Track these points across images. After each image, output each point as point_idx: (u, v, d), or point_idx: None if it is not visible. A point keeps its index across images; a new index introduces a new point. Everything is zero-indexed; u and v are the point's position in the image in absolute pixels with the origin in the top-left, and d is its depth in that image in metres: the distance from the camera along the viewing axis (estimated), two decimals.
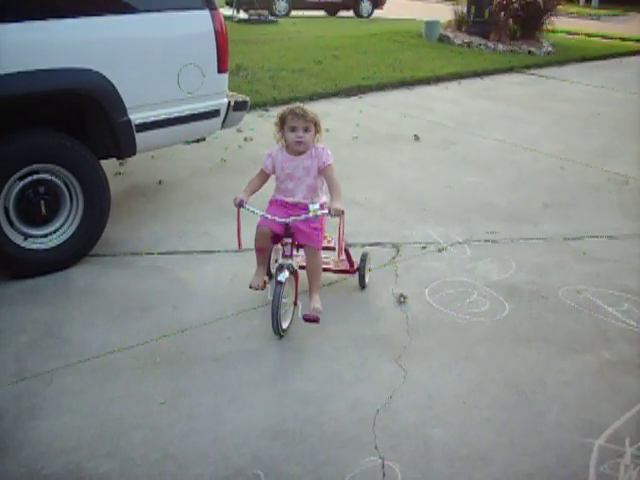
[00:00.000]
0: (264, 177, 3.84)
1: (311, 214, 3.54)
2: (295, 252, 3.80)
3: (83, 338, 3.74)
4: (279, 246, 3.86)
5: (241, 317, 3.98)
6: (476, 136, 7.96)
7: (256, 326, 3.88)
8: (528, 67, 12.52)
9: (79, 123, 4.56)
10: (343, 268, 4.28)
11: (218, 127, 5.16)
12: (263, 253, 3.89)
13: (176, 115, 4.76)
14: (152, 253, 4.79)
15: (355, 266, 4.26)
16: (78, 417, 3.12)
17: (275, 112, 8.58)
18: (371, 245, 4.95)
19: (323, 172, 3.72)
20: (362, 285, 4.31)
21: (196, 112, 4.89)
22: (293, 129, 3.68)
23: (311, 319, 3.68)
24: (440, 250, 4.94)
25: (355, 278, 4.31)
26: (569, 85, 11.13)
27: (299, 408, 3.22)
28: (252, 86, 9.39)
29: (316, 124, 3.70)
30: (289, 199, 3.80)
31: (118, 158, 4.74)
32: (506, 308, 4.17)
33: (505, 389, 3.41)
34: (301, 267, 3.95)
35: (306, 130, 3.67)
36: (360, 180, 6.25)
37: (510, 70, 12.12)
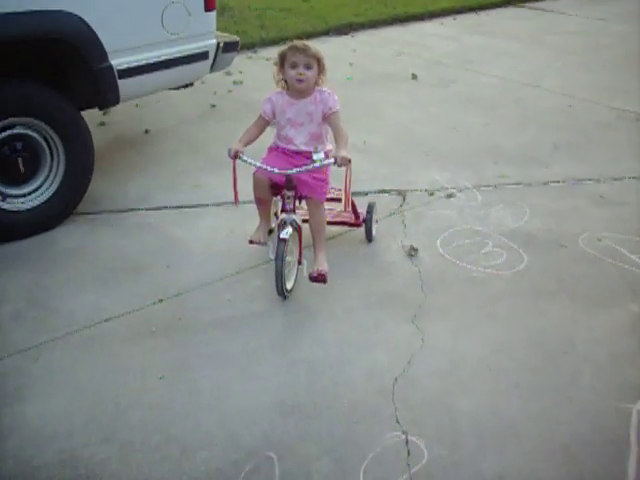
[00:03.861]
0: (263, 124, 3.49)
1: (316, 164, 3.21)
2: (297, 204, 3.49)
3: (71, 306, 3.44)
4: (279, 198, 3.55)
5: (241, 277, 3.69)
6: (476, 73, 7.57)
7: (258, 287, 3.60)
8: (524, 0, 11.99)
9: (56, 72, 4.16)
10: (348, 220, 3.96)
11: (207, 70, 4.78)
12: (263, 204, 3.57)
13: (161, 59, 4.36)
14: (141, 209, 4.47)
15: (361, 218, 3.95)
16: (69, 398, 2.84)
17: (264, 53, 8.21)
18: (375, 193, 4.65)
19: (328, 119, 3.37)
20: (369, 238, 4.01)
21: (183, 55, 4.49)
22: (294, 65, 3.32)
23: (318, 279, 3.39)
24: (449, 197, 4.64)
25: (361, 230, 4.01)
26: (567, 18, 10.66)
27: (311, 379, 2.95)
28: (238, 27, 8.90)
29: (319, 61, 3.34)
30: (290, 147, 3.47)
31: (100, 108, 4.35)
32: (524, 259, 3.89)
33: (532, 350, 3.16)
34: (304, 221, 3.64)
35: (308, 67, 3.31)
36: (358, 123, 5.87)
37: (506, 4, 11.58)
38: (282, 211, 3.55)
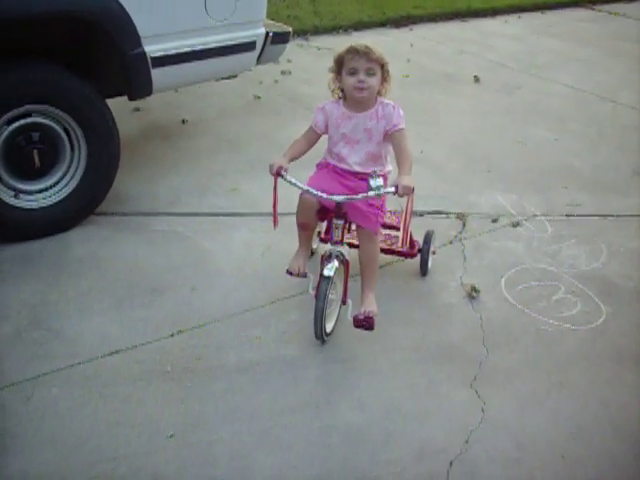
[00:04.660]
0: (313, 137, 2.98)
1: (372, 193, 2.69)
2: (346, 233, 2.99)
3: (77, 330, 2.99)
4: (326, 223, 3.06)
5: (275, 309, 3.20)
6: (544, 80, 6.94)
7: (293, 322, 3.11)
8: (593, 1, 11.22)
9: (82, 55, 3.68)
10: (401, 250, 3.44)
11: (253, 63, 4.26)
12: (307, 230, 3.08)
13: (202, 47, 3.86)
14: (170, 214, 3.99)
15: (416, 247, 3.43)
16: (61, 453, 2.39)
17: (316, 42, 7.68)
18: (431, 214, 4.11)
19: (391, 138, 2.86)
20: (424, 272, 3.49)
21: (227, 44, 3.98)
22: (353, 71, 2.80)
23: (364, 324, 2.88)
24: (514, 225, 4.08)
25: (413, 261, 3.49)
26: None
27: (348, 453, 2.46)
28: (290, 11, 8.37)
29: (383, 67, 2.82)
30: (342, 165, 2.96)
31: (130, 98, 3.86)
32: (602, 312, 3.35)
33: (614, 435, 2.62)
34: (352, 245, 3.13)
35: (370, 74, 2.79)
36: (414, 128, 5.22)
37: (574, 4, 10.85)
38: (327, 240, 3.07)
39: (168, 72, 3.76)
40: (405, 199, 2.84)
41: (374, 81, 2.80)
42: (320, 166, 3.05)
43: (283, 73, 6.48)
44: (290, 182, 2.79)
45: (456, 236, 3.92)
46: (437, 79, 6.71)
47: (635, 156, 5.21)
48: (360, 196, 2.72)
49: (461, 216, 4.13)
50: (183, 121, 5.27)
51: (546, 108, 6.14)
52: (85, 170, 3.66)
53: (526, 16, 9.87)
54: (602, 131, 5.70)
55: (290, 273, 3.05)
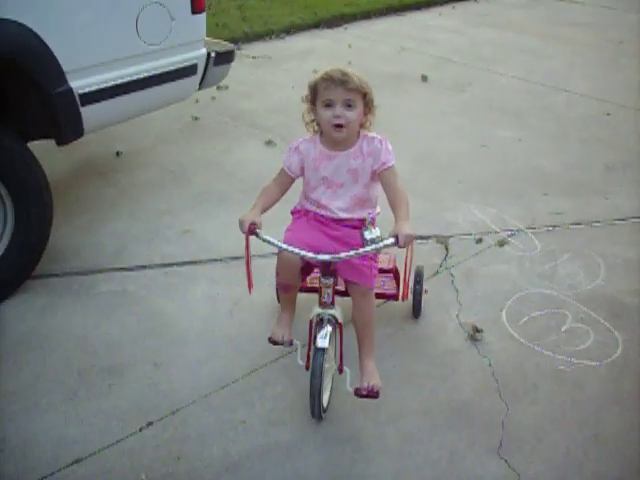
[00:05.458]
0: (286, 182, 2.53)
1: (369, 248, 2.26)
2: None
3: (25, 437, 2.48)
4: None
5: (255, 380, 2.76)
6: (492, 74, 6.65)
7: (280, 396, 2.67)
8: None
9: None
10: (388, 292, 3.03)
11: (195, 88, 3.81)
12: (290, 291, 2.61)
13: (136, 77, 3.38)
14: (117, 269, 3.49)
15: (407, 288, 2.95)
16: None
17: (249, 50, 7.20)
18: None
19: (380, 177, 2.43)
20: (416, 314, 3.09)
21: (164, 70, 3.51)
22: (328, 104, 2.36)
23: (368, 396, 2.46)
24: (501, 244, 3.73)
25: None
26: (575, 7, 9.75)
27: None
28: (218, 19, 7.87)
29: (366, 96, 2.39)
30: (324, 213, 2.52)
31: (59, 143, 3.33)
32: (618, 340, 3.02)
33: None
34: (339, 293, 2.66)
35: (349, 105, 2.36)
36: None
37: None
38: (308, 290, 2.66)
39: (100, 109, 3.27)
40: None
41: (354, 115, 2.37)
42: (297, 214, 2.60)
43: (219, 89, 5.98)
44: (266, 240, 2.33)
45: (441, 264, 3.54)
46: (384, 81, 6.31)
47: (601, 149, 4.95)
48: (353, 253, 2.28)
49: (441, 239, 3.75)
50: (117, 153, 4.76)
51: (501, 104, 5.84)
52: (13, 233, 3.13)
53: (460, 6, 9.63)
54: (562, 125, 5.43)
55: (274, 342, 2.60)
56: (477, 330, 3.01)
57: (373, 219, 2.49)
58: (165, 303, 3.23)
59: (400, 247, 2.24)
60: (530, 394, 2.71)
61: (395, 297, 3.02)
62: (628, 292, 3.34)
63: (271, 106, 5.65)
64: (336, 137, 2.40)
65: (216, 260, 3.56)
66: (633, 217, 4.04)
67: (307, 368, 2.44)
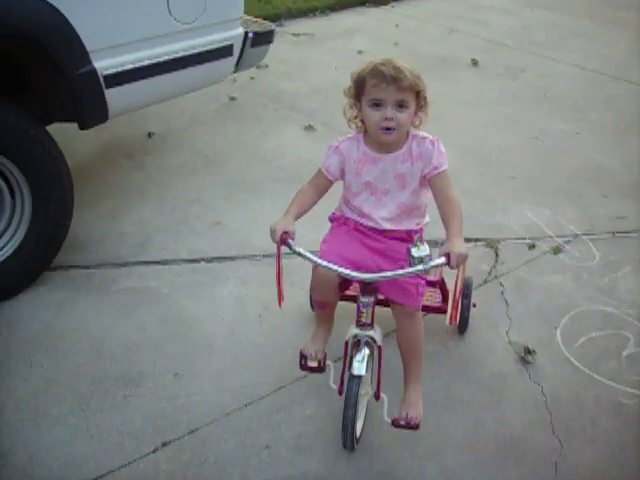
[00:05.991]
0: (324, 186, 2.25)
1: (417, 268, 1.98)
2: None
3: (31, 450, 2.28)
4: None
5: (283, 398, 2.51)
6: (548, 60, 6.24)
7: (309, 420, 2.42)
8: None
9: (15, 78, 2.92)
10: (434, 305, 2.76)
11: (231, 70, 3.53)
12: (327, 308, 2.35)
13: (166, 58, 3.12)
14: (140, 262, 3.27)
15: (456, 311, 2.62)
16: None
17: (292, 27, 6.89)
18: None
19: (431, 183, 2.14)
20: (462, 329, 2.81)
21: (197, 51, 3.25)
22: (377, 104, 2.07)
23: (407, 427, 2.19)
24: (555, 252, 3.42)
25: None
26: None
27: None
28: None
29: (419, 94, 2.10)
30: (366, 222, 2.24)
31: (81, 127, 3.09)
32: None
33: None
34: (379, 303, 2.36)
35: (401, 106, 2.07)
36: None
37: None
38: (348, 298, 2.40)
39: (126, 92, 3.02)
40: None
41: (405, 116, 2.07)
42: (336, 222, 2.32)
43: (259, 67, 5.68)
44: (299, 254, 2.06)
45: (490, 272, 3.24)
46: (431, 64, 5.95)
47: None
48: (400, 272, 2.01)
49: (491, 243, 3.45)
50: (149, 134, 4.52)
51: (557, 93, 5.46)
52: (30, 223, 2.92)
53: None
54: (623, 119, 5.04)
55: (304, 359, 2.34)
56: (529, 351, 2.72)
57: (421, 235, 2.21)
58: (189, 303, 3.00)
59: (452, 268, 1.96)
60: (587, 431, 2.42)
61: (441, 311, 2.74)
62: None
63: (312, 88, 5.36)
64: (384, 140, 2.11)
65: (247, 257, 3.31)
66: None
67: (340, 393, 2.19)
